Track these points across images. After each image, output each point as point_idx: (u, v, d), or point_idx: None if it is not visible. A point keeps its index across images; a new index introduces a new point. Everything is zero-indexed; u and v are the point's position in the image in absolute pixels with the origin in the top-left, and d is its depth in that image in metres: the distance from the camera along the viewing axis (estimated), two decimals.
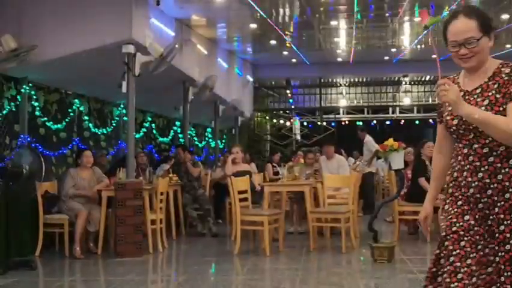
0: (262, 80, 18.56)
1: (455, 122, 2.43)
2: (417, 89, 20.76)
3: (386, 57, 15.38)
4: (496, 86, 2.36)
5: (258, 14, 10.33)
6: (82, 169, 7.52)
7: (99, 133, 10.56)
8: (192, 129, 14.93)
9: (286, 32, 12.23)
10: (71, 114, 9.57)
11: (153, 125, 13.25)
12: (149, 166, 9.29)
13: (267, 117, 21.04)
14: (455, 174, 2.47)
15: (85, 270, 6.45)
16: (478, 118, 2.26)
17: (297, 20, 11.43)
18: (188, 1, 9.08)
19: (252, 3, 9.48)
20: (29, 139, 8.20)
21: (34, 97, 8.50)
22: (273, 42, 13.04)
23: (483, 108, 2.34)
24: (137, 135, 11.64)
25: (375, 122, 20.63)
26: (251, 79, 16.36)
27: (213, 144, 15.15)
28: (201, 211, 9.00)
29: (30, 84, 8.31)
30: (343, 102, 20.01)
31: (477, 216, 2.39)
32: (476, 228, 2.37)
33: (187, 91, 10.51)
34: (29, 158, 6.74)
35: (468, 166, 2.41)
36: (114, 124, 11.19)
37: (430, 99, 21.12)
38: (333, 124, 20.02)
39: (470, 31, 2.35)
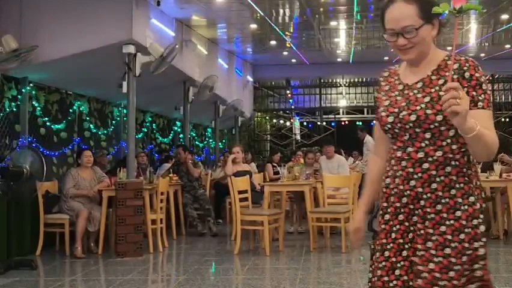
0: (262, 80, 18.60)
1: (390, 119, 2.10)
2: None
3: (386, 57, 15.39)
4: (441, 82, 2.03)
5: (258, 15, 10.35)
6: (82, 169, 7.55)
7: (100, 133, 10.58)
8: (192, 129, 14.95)
9: (286, 33, 12.26)
10: (72, 114, 9.58)
11: (153, 125, 13.26)
12: (150, 166, 9.31)
13: (267, 117, 21.07)
14: (388, 180, 2.15)
15: (85, 269, 6.47)
16: (476, 134, 1.87)
17: (297, 20, 11.45)
18: (189, 1, 9.10)
19: (252, 3, 9.50)
20: (29, 139, 8.22)
21: (35, 97, 8.51)
22: (273, 42, 13.06)
23: (423, 105, 2.02)
24: (138, 136, 11.65)
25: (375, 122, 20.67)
26: (251, 79, 16.37)
27: (213, 144, 15.18)
28: (201, 211, 9.03)
29: (31, 85, 8.33)
30: (343, 103, 20.04)
31: (411, 229, 2.09)
32: (407, 246, 2.09)
33: (188, 91, 10.54)
34: (30, 158, 6.76)
35: (400, 172, 2.09)
36: (115, 124, 11.21)
37: None
38: (333, 124, 20.04)
39: (408, 18, 2.00)
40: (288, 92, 19.56)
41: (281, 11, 10.76)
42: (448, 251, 2.00)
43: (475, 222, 2.03)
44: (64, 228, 7.20)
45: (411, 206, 2.08)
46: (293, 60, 15.53)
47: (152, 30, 8.07)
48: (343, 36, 13.10)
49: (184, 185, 9.04)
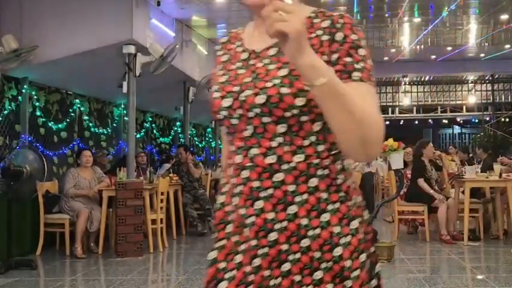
0: None
1: (226, 102, 1.36)
2: (417, 89, 20.80)
3: (386, 58, 15.42)
4: None
5: None
6: (82, 169, 7.57)
7: (99, 133, 10.58)
8: (192, 129, 14.96)
9: None
10: (72, 114, 9.59)
11: (153, 125, 13.27)
12: (150, 166, 9.32)
13: None
14: (221, 199, 1.44)
15: (85, 269, 6.48)
16: (329, 84, 1.17)
17: None
18: (189, 2, 9.10)
19: None
20: (29, 139, 8.22)
21: (35, 97, 8.51)
22: None
23: (277, 81, 1.30)
24: (138, 135, 11.66)
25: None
26: None
27: (213, 144, 15.18)
28: (202, 211, 9.03)
29: (31, 85, 8.33)
30: None
31: (250, 279, 1.33)
32: None
33: (188, 91, 10.55)
34: (31, 157, 6.77)
35: (241, 188, 1.35)
36: (115, 124, 11.22)
37: (430, 99, 21.14)
38: None
39: None
40: None
41: None
42: None
43: (363, 257, 1.36)
44: (64, 228, 7.20)
45: (255, 243, 1.33)
46: None
47: (152, 30, 8.07)
48: None
49: (184, 185, 9.05)
